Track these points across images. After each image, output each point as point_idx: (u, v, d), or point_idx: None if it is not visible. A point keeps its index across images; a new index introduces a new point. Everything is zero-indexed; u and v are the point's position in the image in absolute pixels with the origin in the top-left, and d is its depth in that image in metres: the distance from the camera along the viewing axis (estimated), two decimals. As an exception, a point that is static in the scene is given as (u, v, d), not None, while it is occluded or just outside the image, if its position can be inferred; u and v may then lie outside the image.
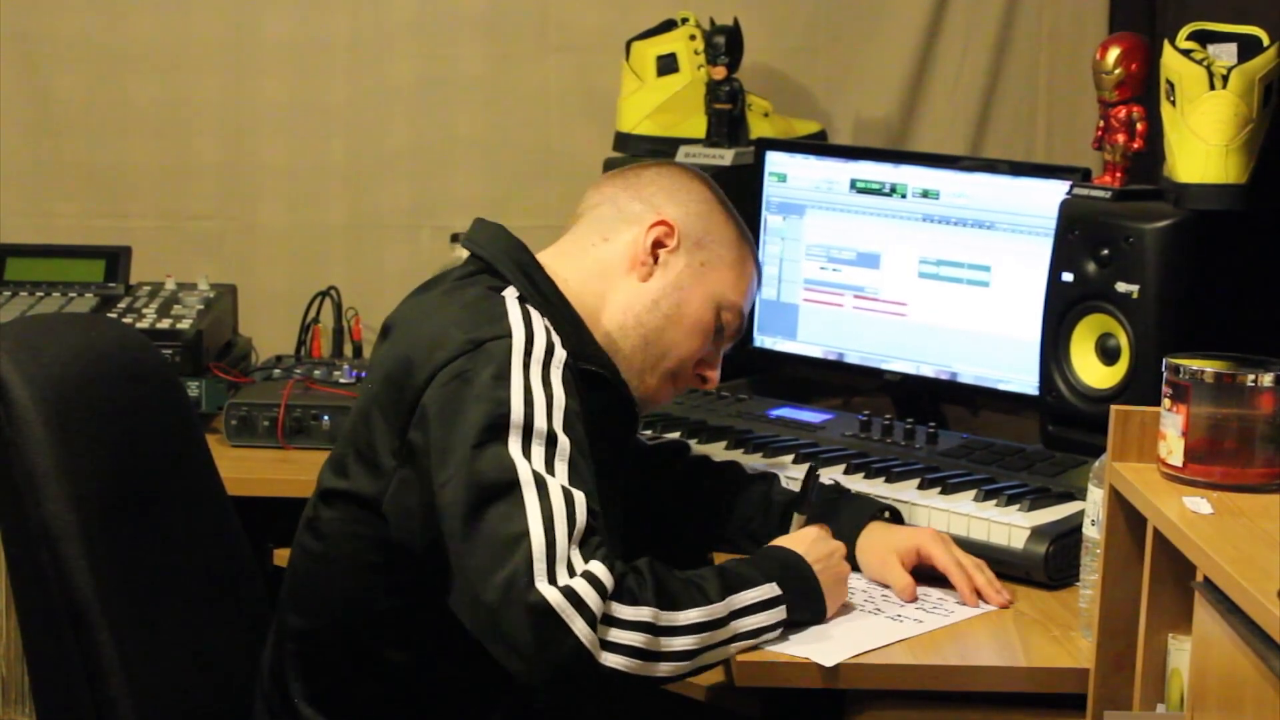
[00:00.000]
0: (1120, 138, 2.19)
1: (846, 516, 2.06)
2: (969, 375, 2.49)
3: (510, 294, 1.86)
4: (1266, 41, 2.04)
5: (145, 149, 3.08)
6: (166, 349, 2.59)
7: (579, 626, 1.65)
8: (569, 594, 1.65)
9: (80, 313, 2.73)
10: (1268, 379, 1.62)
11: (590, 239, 1.99)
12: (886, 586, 1.99)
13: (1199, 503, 1.57)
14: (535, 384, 1.76)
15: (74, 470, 1.76)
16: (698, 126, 2.80)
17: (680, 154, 2.76)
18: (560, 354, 1.80)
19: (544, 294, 1.90)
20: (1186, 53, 2.04)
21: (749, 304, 2.06)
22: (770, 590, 1.80)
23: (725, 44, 2.77)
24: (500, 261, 1.92)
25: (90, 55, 3.06)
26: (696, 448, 2.36)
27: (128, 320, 2.72)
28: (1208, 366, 1.64)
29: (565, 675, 1.66)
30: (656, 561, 1.75)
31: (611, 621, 1.67)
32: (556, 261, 1.96)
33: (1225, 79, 2.01)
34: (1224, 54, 2.04)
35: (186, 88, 3.08)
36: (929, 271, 2.51)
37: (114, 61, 3.06)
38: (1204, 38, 2.07)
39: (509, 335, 1.78)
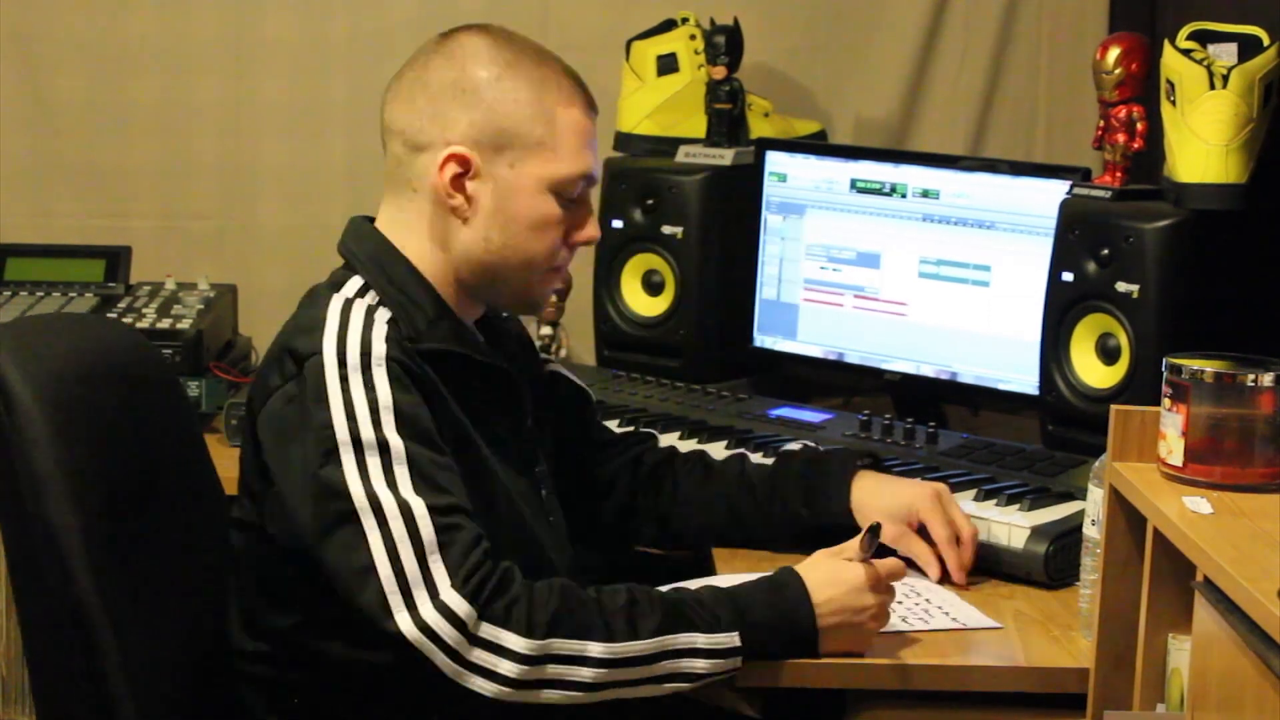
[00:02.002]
0: (1120, 138, 2.19)
1: (833, 480, 2.06)
2: (969, 375, 2.49)
3: (344, 293, 1.83)
4: (1266, 41, 2.04)
5: (145, 149, 3.08)
6: (166, 349, 2.59)
7: (439, 660, 1.66)
8: (425, 629, 1.65)
9: (80, 313, 2.72)
10: (1268, 379, 1.62)
11: (404, 192, 1.89)
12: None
13: (1199, 502, 1.57)
14: (356, 393, 1.73)
15: (75, 470, 1.76)
16: (698, 126, 2.80)
17: (680, 154, 2.76)
18: (379, 350, 1.76)
19: (392, 278, 1.85)
20: (1186, 52, 2.04)
21: (589, 152, 1.89)
22: (727, 640, 1.74)
23: (725, 44, 2.77)
24: (355, 256, 1.89)
25: (90, 55, 3.06)
26: (696, 448, 2.36)
27: (127, 320, 2.72)
28: (1208, 366, 1.64)
29: (433, 694, 1.68)
30: (571, 585, 1.73)
31: (482, 644, 1.67)
32: (395, 232, 1.89)
33: (1225, 79, 2.01)
34: (1224, 54, 2.04)
35: (186, 88, 3.07)
36: (929, 271, 2.51)
37: (114, 61, 3.06)
38: (1204, 37, 2.07)
39: (319, 351, 1.75)
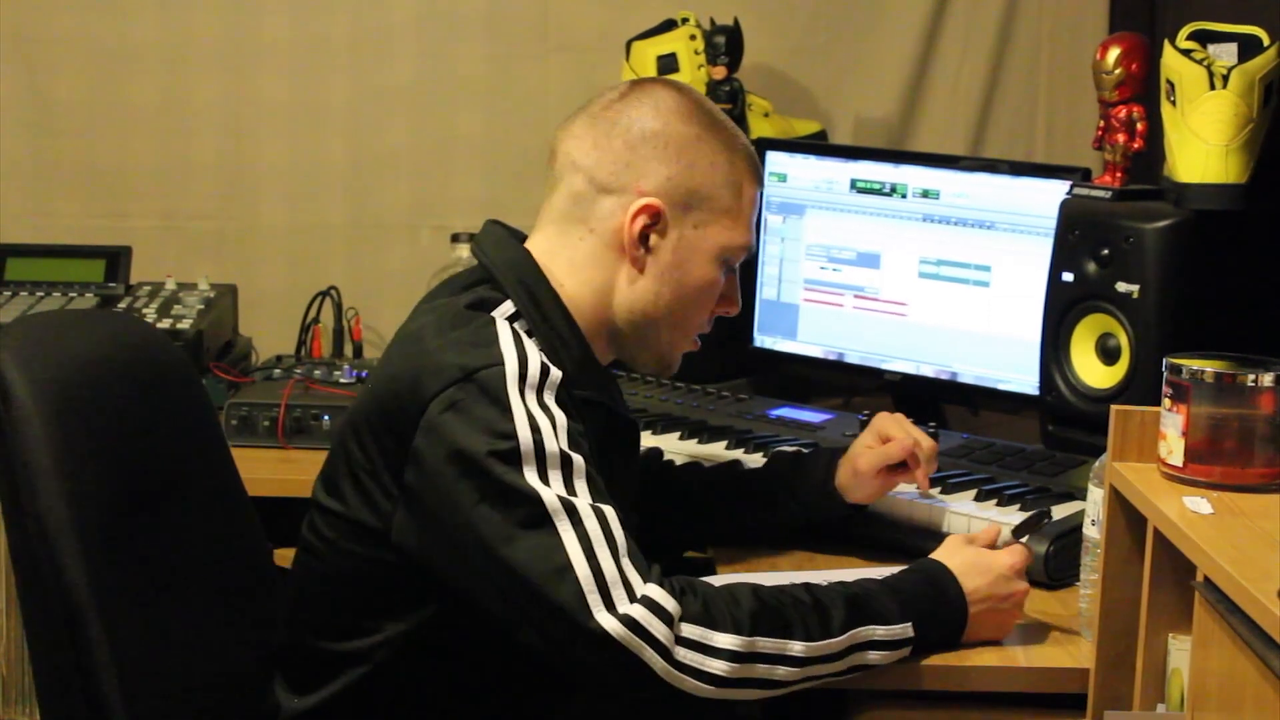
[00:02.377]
0: (1120, 138, 2.19)
1: (821, 465, 2.10)
2: (969, 375, 2.49)
3: (501, 313, 1.81)
4: (1266, 41, 2.04)
5: (145, 149, 3.08)
6: (166, 349, 2.60)
7: (649, 657, 1.63)
8: (630, 624, 1.62)
9: (98, 310, 2.73)
10: (1268, 379, 1.62)
11: (576, 230, 1.88)
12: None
13: (1199, 503, 1.57)
14: (535, 408, 1.71)
15: (73, 467, 1.76)
16: (698, 126, 2.80)
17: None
18: (555, 375, 1.75)
19: (544, 313, 1.83)
20: (1186, 53, 2.04)
21: (754, 226, 1.95)
22: (902, 632, 1.76)
23: (725, 44, 2.77)
24: (502, 273, 1.86)
25: (90, 55, 3.06)
26: (696, 448, 2.37)
27: (127, 320, 2.72)
28: (1208, 366, 1.64)
29: (653, 697, 1.65)
30: (761, 586, 1.72)
31: (692, 645, 1.65)
32: (553, 262, 1.88)
33: (1225, 79, 2.01)
34: (1224, 54, 2.04)
35: (186, 88, 3.08)
36: (929, 271, 2.51)
37: (114, 61, 3.06)
38: (1204, 37, 2.07)
39: (500, 363, 1.72)
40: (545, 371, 1.74)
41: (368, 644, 1.80)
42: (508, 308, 1.83)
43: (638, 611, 1.63)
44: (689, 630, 1.65)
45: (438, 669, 1.81)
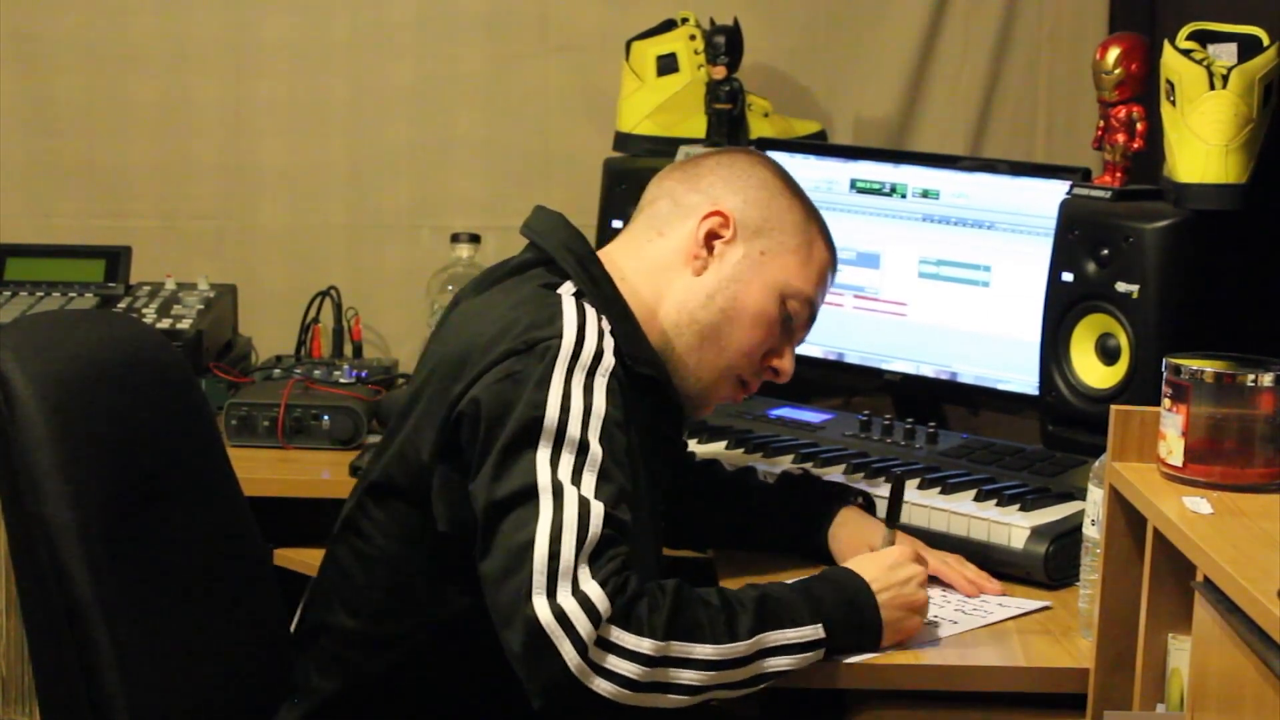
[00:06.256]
0: (1120, 138, 2.19)
1: (816, 503, 2.09)
2: (969, 375, 2.49)
3: (567, 290, 1.85)
4: (1266, 41, 2.04)
5: (145, 149, 3.08)
6: (167, 349, 2.59)
7: (565, 650, 1.63)
8: (559, 615, 1.63)
9: (93, 310, 2.73)
10: (1268, 379, 1.62)
11: (646, 234, 1.96)
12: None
13: (1199, 503, 1.57)
14: (576, 390, 1.73)
15: (75, 468, 1.76)
16: (698, 126, 2.80)
17: (680, 154, 2.75)
18: (609, 361, 1.77)
19: (602, 290, 1.87)
20: (1186, 53, 2.04)
21: (821, 291, 2.00)
22: (813, 633, 1.75)
23: (725, 44, 2.77)
24: (559, 253, 1.90)
25: (90, 55, 3.06)
26: (696, 447, 2.37)
27: (128, 320, 2.72)
28: (1208, 366, 1.64)
29: (555, 692, 1.65)
30: (686, 585, 1.72)
31: (608, 647, 1.64)
32: (618, 255, 1.95)
33: (1225, 79, 2.01)
34: (1224, 54, 2.04)
35: (186, 88, 3.08)
36: (929, 271, 2.51)
37: (114, 61, 3.06)
38: (1204, 38, 2.07)
39: (559, 337, 1.76)
40: (599, 355, 1.77)
41: (399, 629, 1.84)
42: (571, 285, 1.87)
43: (569, 604, 1.64)
44: (611, 632, 1.65)
45: (465, 661, 1.84)
